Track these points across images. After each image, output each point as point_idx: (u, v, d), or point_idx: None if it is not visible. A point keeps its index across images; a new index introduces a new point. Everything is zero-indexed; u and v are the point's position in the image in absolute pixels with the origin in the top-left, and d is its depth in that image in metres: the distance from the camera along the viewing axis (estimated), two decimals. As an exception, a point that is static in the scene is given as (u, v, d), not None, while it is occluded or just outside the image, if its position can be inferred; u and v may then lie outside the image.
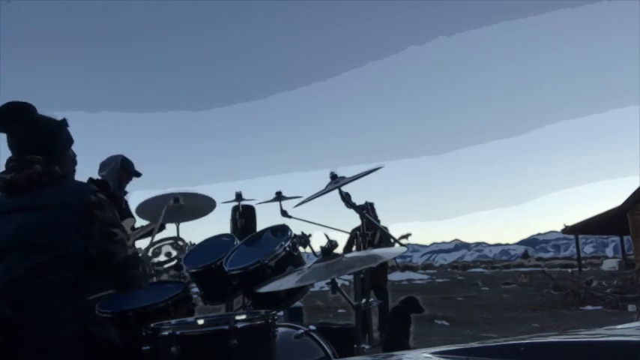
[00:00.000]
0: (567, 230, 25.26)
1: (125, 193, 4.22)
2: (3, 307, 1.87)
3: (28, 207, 1.99)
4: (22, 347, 1.88)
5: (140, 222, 3.94)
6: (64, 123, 2.17)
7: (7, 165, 2.08)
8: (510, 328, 9.00)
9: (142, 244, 3.68)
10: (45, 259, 1.93)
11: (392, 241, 4.79)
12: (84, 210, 1.99)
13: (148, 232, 3.77)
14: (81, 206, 2.00)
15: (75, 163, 2.26)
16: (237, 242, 2.76)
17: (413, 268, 27.48)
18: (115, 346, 1.99)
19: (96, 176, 4.11)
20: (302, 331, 2.21)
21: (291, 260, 2.43)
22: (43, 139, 2.09)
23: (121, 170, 4.14)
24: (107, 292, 2.15)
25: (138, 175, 4.26)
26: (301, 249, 2.54)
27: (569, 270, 21.56)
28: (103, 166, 4.16)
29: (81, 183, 2.17)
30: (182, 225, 3.31)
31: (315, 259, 2.08)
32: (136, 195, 4.22)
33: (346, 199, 2.68)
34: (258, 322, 1.82)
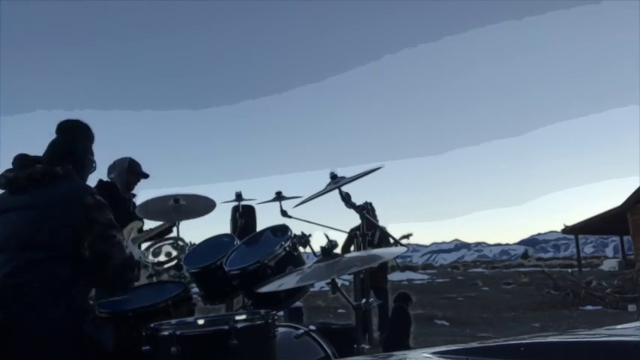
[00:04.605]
0: (567, 230, 25.20)
1: (134, 195, 4.24)
2: None
3: (25, 206, 2.01)
4: (15, 346, 1.87)
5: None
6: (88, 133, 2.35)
7: (12, 163, 2.11)
8: (510, 328, 8.99)
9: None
10: (36, 256, 1.94)
11: (392, 241, 4.79)
12: (80, 210, 1.99)
13: (162, 232, 3.68)
14: (76, 206, 2.00)
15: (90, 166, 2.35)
16: (237, 242, 2.76)
17: (413, 268, 27.46)
18: (106, 350, 1.96)
19: (104, 178, 4.14)
20: (302, 331, 2.21)
21: (291, 260, 2.43)
22: (66, 147, 2.24)
23: (128, 172, 4.18)
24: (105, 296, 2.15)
25: (145, 176, 4.29)
26: (301, 249, 2.54)
27: (569, 270, 21.52)
28: (112, 168, 4.20)
29: (79, 183, 2.17)
30: (182, 225, 3.30)
31: (315, 259, 2.08)
32: (138, 196, 4.24)
33: (346, 199, 2.68)
34: (258, 322, 1.82)
